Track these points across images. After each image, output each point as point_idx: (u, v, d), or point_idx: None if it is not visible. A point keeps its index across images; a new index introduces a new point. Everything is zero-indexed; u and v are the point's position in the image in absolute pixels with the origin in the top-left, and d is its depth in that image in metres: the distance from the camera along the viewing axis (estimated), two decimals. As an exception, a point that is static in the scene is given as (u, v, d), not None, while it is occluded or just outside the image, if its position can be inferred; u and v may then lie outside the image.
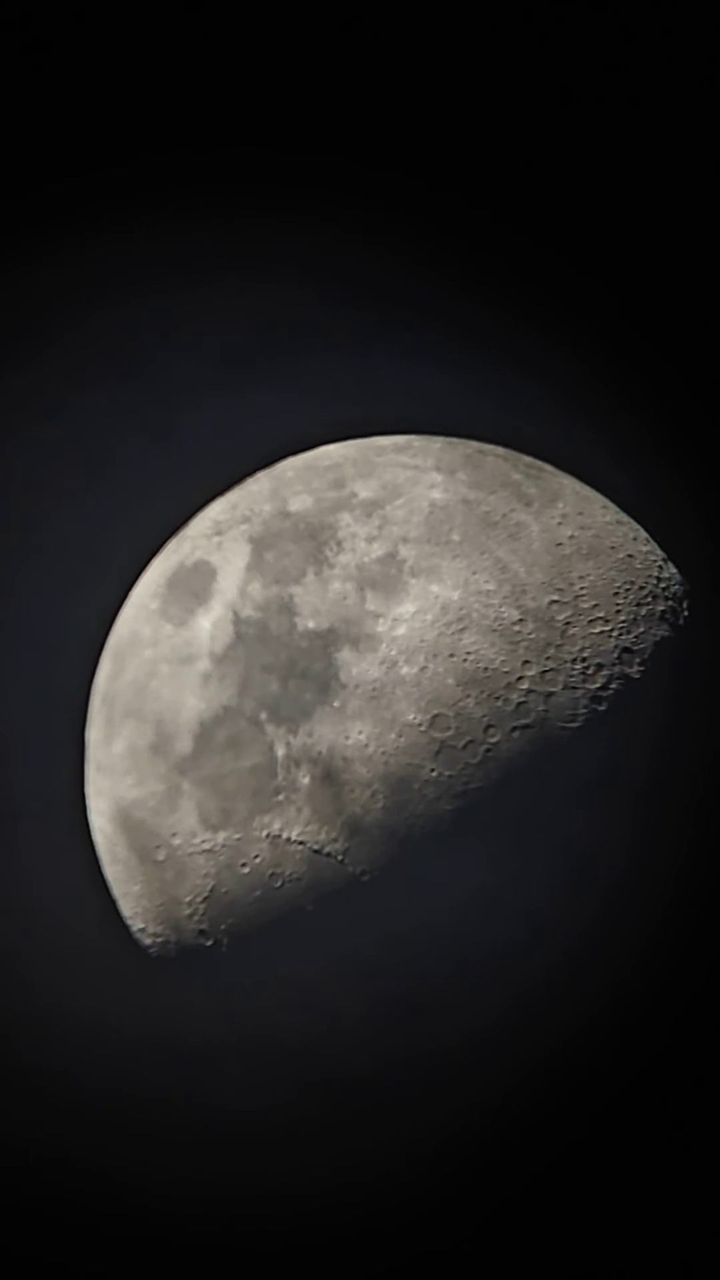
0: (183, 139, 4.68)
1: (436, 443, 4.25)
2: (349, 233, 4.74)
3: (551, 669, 3.85)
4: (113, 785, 4.17)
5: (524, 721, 3.80)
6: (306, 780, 3.83)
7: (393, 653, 3.85)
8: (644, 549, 4.16)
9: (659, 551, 4.17)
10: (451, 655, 3.83)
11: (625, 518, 4.21)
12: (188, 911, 3.99)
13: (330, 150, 4.70)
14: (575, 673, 3.86)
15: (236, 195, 4.77)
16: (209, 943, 3.98)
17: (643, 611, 4.00)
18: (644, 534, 4.20)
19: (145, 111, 4.60)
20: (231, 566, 4.11)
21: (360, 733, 3.80)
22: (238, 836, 3.88)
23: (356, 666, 3.85)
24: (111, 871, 4.23)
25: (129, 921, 4.18)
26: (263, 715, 3.88)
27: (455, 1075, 3.92)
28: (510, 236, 4.73)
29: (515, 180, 4.71)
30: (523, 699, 3.81)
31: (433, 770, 3.78)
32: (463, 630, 3.85)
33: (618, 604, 3.99)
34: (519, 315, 4.61)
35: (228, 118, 4.68)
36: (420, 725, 3.79)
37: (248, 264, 4.77)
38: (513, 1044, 3.89)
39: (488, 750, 3.77)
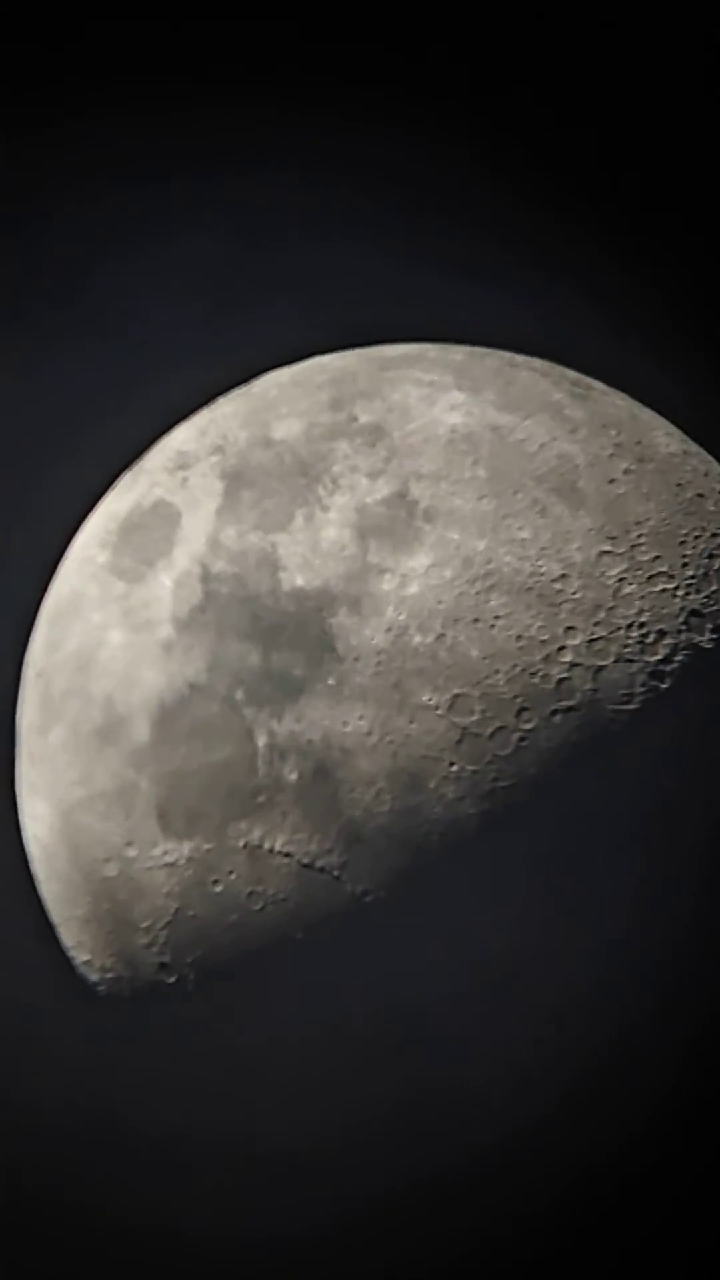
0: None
1: (458, 353, 4.28)
2: (354, 115, 4.84)
3: (602, 637, 3.81)
4: (51, 783, 4.20)
5: (567, 703, 3.76)
6: (294, 777, 3.81)
7: (402, 617, 3.81)
8: (717, 486, 4.20)
9: (737, 489, 4.23)
10: (476, 620, 3.80)
11: (694, 447, 4.26)
12: (145, 941, 3.98)
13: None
14: (631, 642, 3.84)
15: (226, 79, 4.86)
16: (172, 979, 3.95)
17: (716, 565, 4.02)
18: (717, 467, 4.25)
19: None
20: (200, 509, 4.12)
21: (361, 718, 3.77)
22: (208, 847, 3.86)
23: (357, 634, 3.83)
24: (50, 890, 4.26)
25: (71, 953, 4.21)
26: (239, 695, 3.87)
27: (484, 1175, 3.86)
28: (552, 117, 4.80)
29: (575, 62, 4.81)
30: (566, 675, 3.77)
31: (453, 764, 3.73)
32: (490, 589, 3.82)
33: (684, 555, 3.99)
34: (561, 209, 4.63)
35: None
36: (437, 708, 3.76)
37: (231, 152, 4.82)
38: (558, 1136, 3.82)
39: (522, 740, 3.74)
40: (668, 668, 3.83)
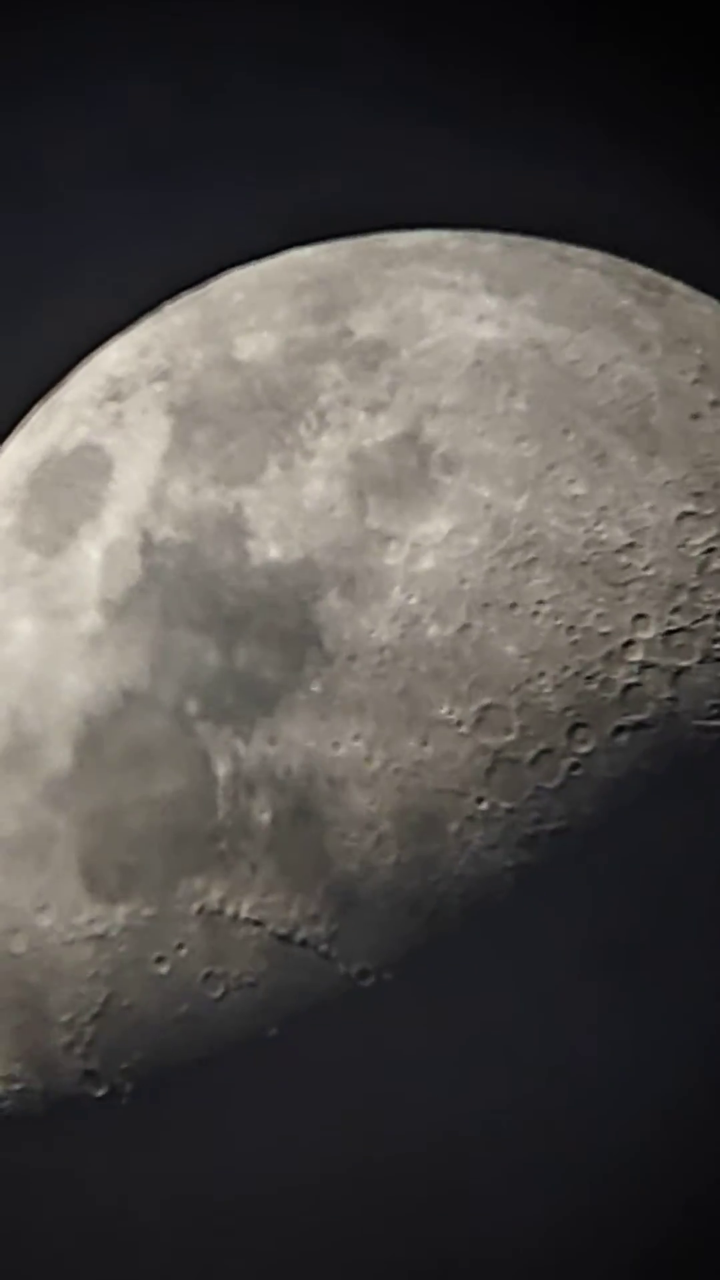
0: None
1: (489, 243, 3.92)
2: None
3: (683, 629, 3.46)
4: (-62, 826, 3.92)
5: (637, 718, 3.39)
6: (266, 818, 3.42)
7: (413, 601, 3.43)
8: None
9: None
10: (513, 606, 3.41)
11: None
12: (66, 1039, 3.56)
13: None
14: (723, 636, 3.65)
15: None
16: (101, 1092, 3.51)
17: None
18: None
19: None
20: (139, 455, 3.75)
21: (357, 738, 3.39)
22: (150, 913, 3.45)
23: (351, 625, 3.46)
24: (-63, 972, 3.95)
25: (-33, 1056, 3.93)
26: (192, 707, 3.48)
27: None
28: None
29: None
30: (635, 680, 3.41)
31: (481, 801, 3.34)
32: (531, 563, 3.44)
33: None
34: (630, 54, 4.32)
35: None
36: (460, 724, 3.37)
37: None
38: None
39: (575, 768, 3.37)
40: (773, 670, 3.54)
